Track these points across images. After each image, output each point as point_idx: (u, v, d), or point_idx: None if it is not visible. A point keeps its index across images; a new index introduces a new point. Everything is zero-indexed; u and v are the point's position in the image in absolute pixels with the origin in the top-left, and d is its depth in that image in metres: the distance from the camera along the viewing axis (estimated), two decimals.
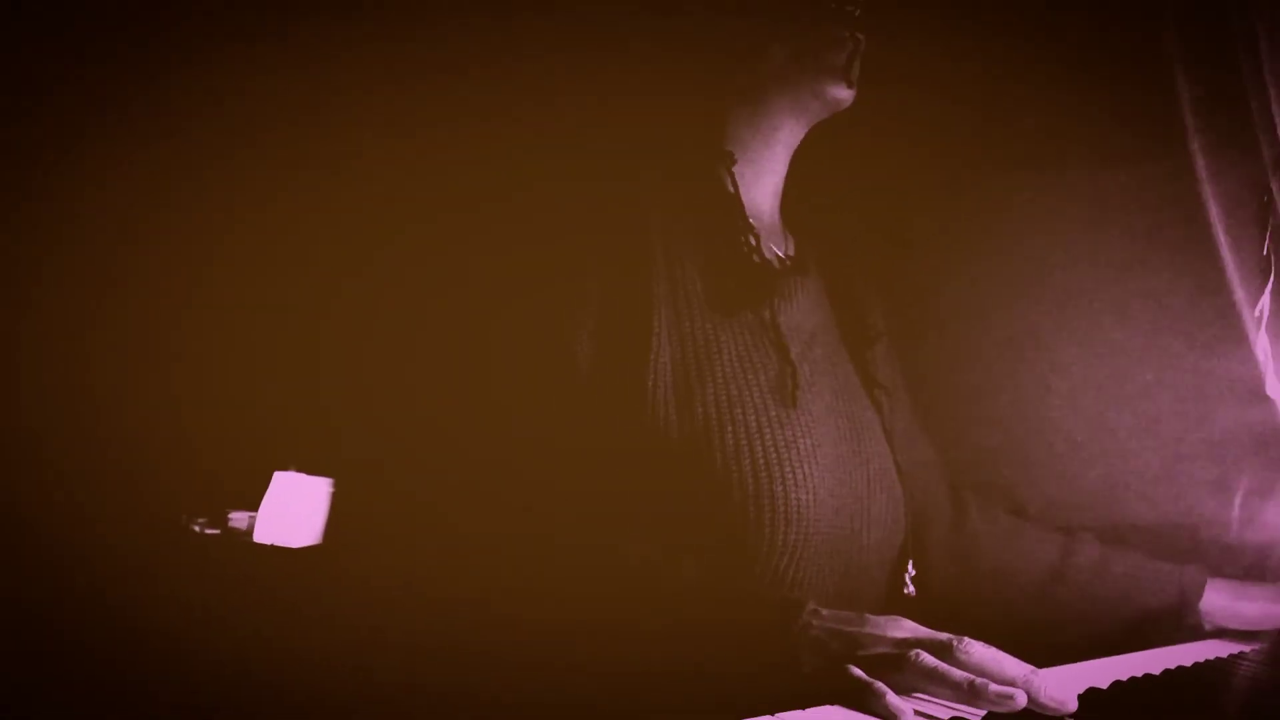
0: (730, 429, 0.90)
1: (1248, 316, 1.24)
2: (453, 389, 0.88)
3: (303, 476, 1.85)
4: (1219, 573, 1.21)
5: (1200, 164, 1.21)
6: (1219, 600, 1.17)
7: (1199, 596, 1.17)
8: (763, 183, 1.07)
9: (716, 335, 0.94)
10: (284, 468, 1.87)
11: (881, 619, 0.76)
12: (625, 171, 1.00)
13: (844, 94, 1.03)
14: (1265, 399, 1.24)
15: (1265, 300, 1.23)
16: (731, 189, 1.02)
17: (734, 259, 0.99)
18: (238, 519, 1.92)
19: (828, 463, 0.96)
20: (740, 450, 0.90)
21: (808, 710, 0.67)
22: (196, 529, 1.90)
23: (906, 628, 0.75)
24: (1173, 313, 1.29)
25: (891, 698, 0.68)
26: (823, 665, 0.73)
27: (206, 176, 1.85)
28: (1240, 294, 1.23)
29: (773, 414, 0.93)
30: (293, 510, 1.83)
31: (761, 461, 0.90)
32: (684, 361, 0.91)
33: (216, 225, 1.89)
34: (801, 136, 1.07)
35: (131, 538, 1.73)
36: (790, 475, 0.91)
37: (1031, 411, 1.39)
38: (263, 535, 1.84)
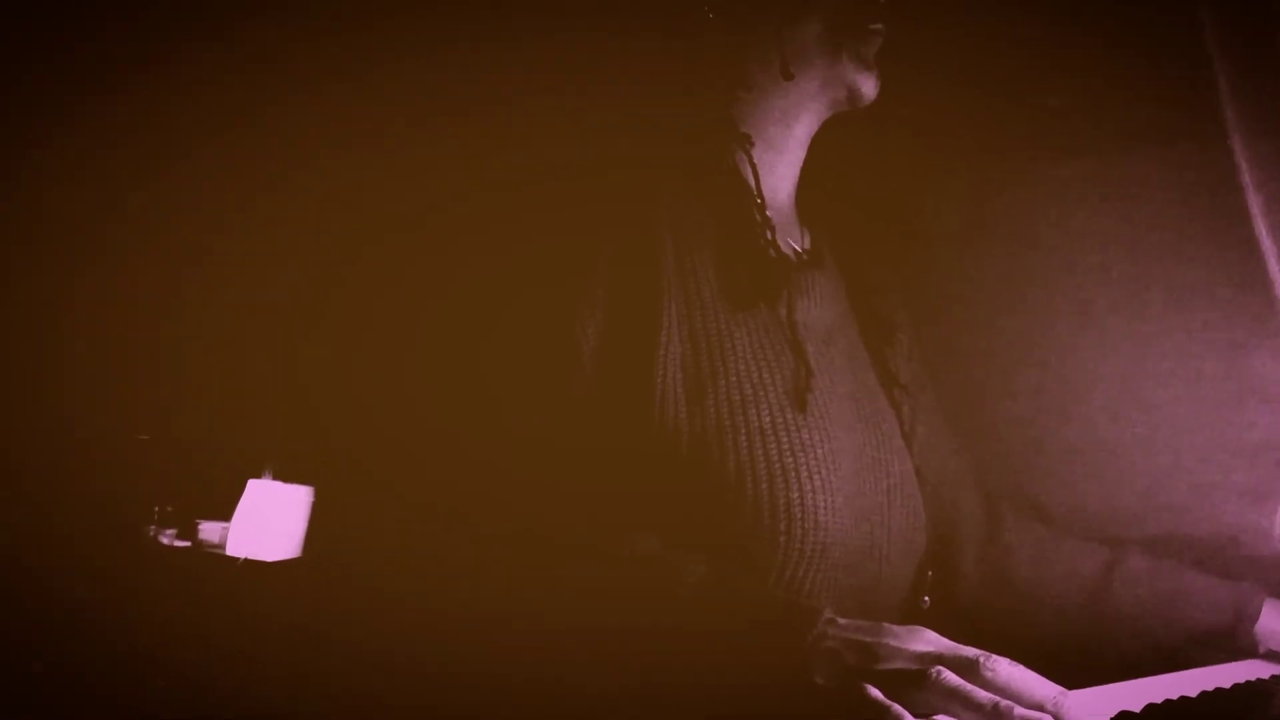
0: (744, 430, 0.87)
1: None
2: (452, 388, 0.86)
3: (279, 484, 1.82)
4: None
5: (1238, 147, 1.16)
6: (1276, 624, 1.12)
7: (1256, 618, 1.12)
8: (779, 171, 1.05)
9: (730, 331, 0.92)
10: (259, 473, 1.83)
11: (902, 630, 0.71)
12: (633, 160, 0.96)
13: (870, 88, 1.01)
14: None
15: None
16: (750, 174, 1.00)
17: (749, 252, 0.97)
18: (209, 530, 1.89)
19: (847, 469, 0.94)
20: (754, 452, 0.87)
21: None
22: (165, 541, 1.86)
23: (929, 640, 0.70)
24: (1207, 308, 1.24)
25: None
26: (837, 679, 0.69)
27: (196, 169, 1.84)
28: None
29: (789, 416, 0.91)
30: (269, 520, 1.79)
31: (777, 465, 0.87)
32: (695, 357, 0.89)
33: (205, 221, 1.88)
34: (818, 125, 1.05)
35: (93, 550, 1.70)
36: (807, 481, 0.88)
37: (1056, 417, 1.34)
38: (236, 548, 1.80)
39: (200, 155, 1.82)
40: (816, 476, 0.89)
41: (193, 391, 1.88)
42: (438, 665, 0.83)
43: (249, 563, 1.77)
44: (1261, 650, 1.12)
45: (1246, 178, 1.14)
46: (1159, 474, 1.27)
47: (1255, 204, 1.14)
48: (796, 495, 0.87)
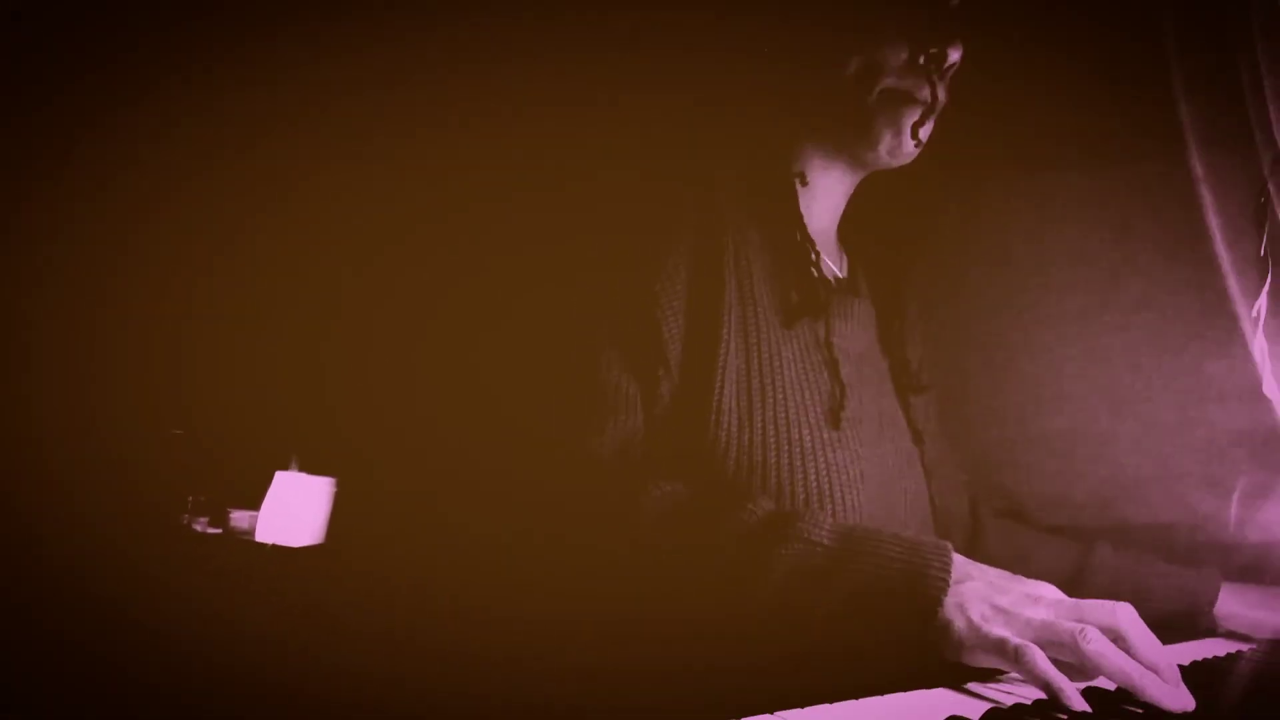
0: (787, 447, 0.90)
1: (1245, 317, 1.23)
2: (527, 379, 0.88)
3: (305, 475, 1.85)
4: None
5: (1197, 164, 1.20)
6: (1232, 606, 1.17)
7: (1213, 603, 1.17)
8: (821, 203, 1.06)
9: (779, 349, 0.94)
10: (286, 465, 1.87)
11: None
12: (703, 177, 0.99)
13: (908, 154, 1.01)
14: (1262, 399, 1.23)
15: (1262, 301, 1.22)
16: (797, 204, 1.02)
17: (795, 273, 0.99)
18: (239, 518, 1.92)
19: (872, 490, 0.97)
20: (795, 470, 0.89)
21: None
22: (197, 528, 1.89)
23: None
24: (1170, 314, 1.29)
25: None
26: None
27: (233, 170, 1.85)
28: (1237, 294, 1.23)
29: (826, 436, 0.93)
30: (294, 509, 1.82)
31: (814, 483, 0.90)
32: (748, 372, 0.91)
33: (233, 221, 1.89)
34: (859, 174, 1.07)
35: (131, 537, 1.73)
36: (840, 500, 0.91)
37: (1028, 414, 1.39)
38: (264, 535, 1.83)
39: (238, 160, 1.83)
40: (849, 497, 0.91)
41: (223, 389, 1.89)
42: (469, 657, 0.86)
43: (276, 548, 1.81)
44: (1221, 630, 1.18)
45: (1204, 195, 1.20)
46: (1127, 467, 1.33)
47: (1213, 218, 1.20)
48: (830, 513, 0.89)
